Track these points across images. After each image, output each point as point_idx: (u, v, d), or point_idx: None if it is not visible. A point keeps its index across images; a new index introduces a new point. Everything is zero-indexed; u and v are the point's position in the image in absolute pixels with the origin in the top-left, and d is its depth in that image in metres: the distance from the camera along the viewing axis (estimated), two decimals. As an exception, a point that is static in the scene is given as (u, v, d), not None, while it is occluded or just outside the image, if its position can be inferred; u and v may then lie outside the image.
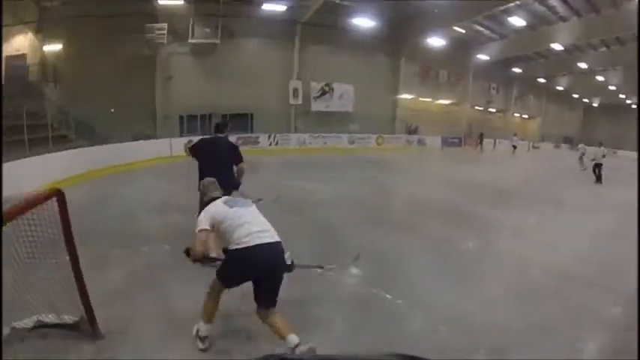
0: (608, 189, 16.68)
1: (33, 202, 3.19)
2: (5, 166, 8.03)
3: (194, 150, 6.62)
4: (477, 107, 37.56)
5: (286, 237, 4.03)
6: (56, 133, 16.11)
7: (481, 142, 34.30)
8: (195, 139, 18.64)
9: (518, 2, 21.38)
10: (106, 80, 19.38)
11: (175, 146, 18.04)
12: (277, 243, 3.82)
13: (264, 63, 24.14)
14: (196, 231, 3.82)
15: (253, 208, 4.10)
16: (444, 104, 35.20)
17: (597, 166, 18.33)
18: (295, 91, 25.42)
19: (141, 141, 18.04)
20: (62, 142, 15.83)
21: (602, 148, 19.17)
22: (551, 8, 23.80)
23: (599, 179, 18.14)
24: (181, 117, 22.25)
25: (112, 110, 19.07)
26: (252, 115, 24.09)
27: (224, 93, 22.18)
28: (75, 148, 15.07)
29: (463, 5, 22.76)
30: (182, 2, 20.93)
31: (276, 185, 12.24)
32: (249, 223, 3.78)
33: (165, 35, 21.19)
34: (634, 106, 44.36)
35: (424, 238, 8.11)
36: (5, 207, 2.88)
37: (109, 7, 19.45)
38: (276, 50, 24.75)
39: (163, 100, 21.91)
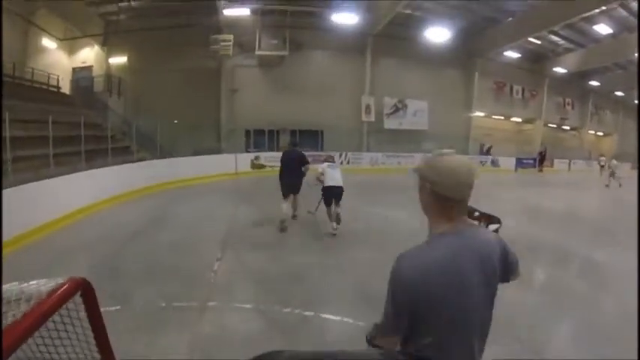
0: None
1: (47, 310, 1.35)
2: (61, 179, 8.84)
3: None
4: (550, 125, 33.80)
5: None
6: (119, 144, 15.58)
7: (542, 161, 30.67)
8: (263, 155, 17.03)
9: (603, 8, 18.72)
10: (170, 93, 18.81)
11: (241, 162, 16.66)
12: (340, 187, 8.34)
13: (334, 77, 21.91)
14: (318, 170, 8.48)
15: (337, 169, 8.56)
16: (516, 122, 31.99)
17: None
18: (368, 107, 22.83)
19: (204, 155, 16.35)
20: (124, 153, 14.93)
21: None
22: (634, 13, 20.30)
23: None
24: (247, 131, 20.46)
25: (175, 122, 17.52)
26: (322, 132, 21.79)
27: (292, 107, 20.30)
28: (138, 161, 14.11)
29: (540, 14, 20.38)
30: (248, 13, 19.38)
31: (351, 211, 10.04)
32: (332, 176, 8.30)
33: (231, 47, 19.63)
34: None
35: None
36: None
37: (173, 20, 18.98)
38: (346, 63, 22.43)
39: (228, 114, 20.24)
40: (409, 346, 1.65)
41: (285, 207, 8.66)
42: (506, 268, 1.73)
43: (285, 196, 8.72)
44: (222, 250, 7.22)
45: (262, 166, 17.46)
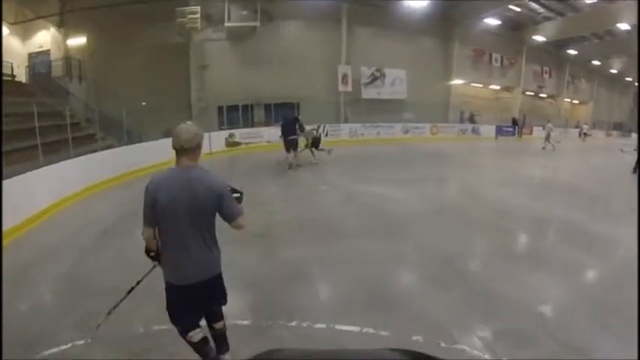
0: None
1: None
2: (15, 180, 7.16)
3: None
4: (527, 92, 33.16)
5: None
6: (82, 133, 14.05)
7: (521, 128, 30.66)
8: (238, 132, 15.79)
9: None
10: (136, 73, 17.09)
11: (215, 141, 14.83)
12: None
13: (309, 47, 20.44)
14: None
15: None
16: (495, 90, 31.14)
17: None
18: (344, 77, 21.46)
19: None
20: (89, 142, 13.44)
21: None
22: None
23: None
24: (220, 108, 18.73)
25: (143, 104, 15.72)
26: (298, 104, 20.20)
27: (266, 81, 18.80)
28: (104, 149, 12.40)
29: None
30: (215, -19, 17.72)
31: (344, 192, 10.23)
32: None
33: (199, 19, 17.76)
34: None
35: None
36: None
37: (134, -7, 16.94)
38: (321, 33, 20.87)
39: (199, 91, 18.36)
40: (159, 234, 2.85)
41: (290, 156, 12.80)
42: (220, 211, 2.78)
43: (287, 150, 12.78)
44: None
45: (237, 144, 16.45)
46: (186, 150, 2.69)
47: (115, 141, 13.90)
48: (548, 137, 21.97)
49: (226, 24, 18.61)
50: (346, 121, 21.68)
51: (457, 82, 27.31)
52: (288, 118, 13.36)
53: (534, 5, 24.92)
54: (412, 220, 7.91)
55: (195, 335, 2.99)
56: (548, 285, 5.20)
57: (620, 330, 4.04)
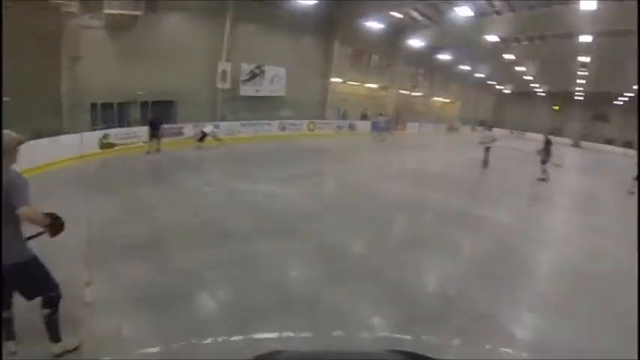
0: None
1: None
2: None
3: None
4: (402, 91, 36.43)
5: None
6: None
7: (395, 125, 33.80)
8: (113, 132, 15.47)
9: None
10: None
11: (88, 142, 14.80)
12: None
13: (191, 42, 20.51)
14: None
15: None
16: (372, 88, 33.69)
17: (487, 150, 18.17)
18: (224, 73, 22.01)
19: (43, 139, 13.08)
20: None
21: (491, 132, 19.64)
22: (489, 2, 23.47)
23: (486, 163, 18.15)
24: (94, 105, 17.45)
25: (6, 99, 14.15)
26: (175, 102, 20.40)
27: (144, 76, 18.45)
28: None
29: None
30: (94, -38, 16.70)
31: (230, 192, 10.67)
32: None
33: (76, 4, 16.38)
34: (542, 94, 47.86)
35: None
36: None
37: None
38: (204, 27, 21.06)
39: (71, 86, 16.86)
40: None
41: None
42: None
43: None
44: (89, 268, 5.39)
45: (112, 145, 15.88)
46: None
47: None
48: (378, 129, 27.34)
49: (105, 10, 17.54)
50: (223, 119, 22.28)
51: (336, 80, 29.22)
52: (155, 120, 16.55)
53: (414, 13, 27.21)
54: (303, 217, 8.68)
55: None
56: (441, 264, 6.63)
57: (510, 296, 5.60)
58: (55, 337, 3.58)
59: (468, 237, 8.41)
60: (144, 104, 18.72)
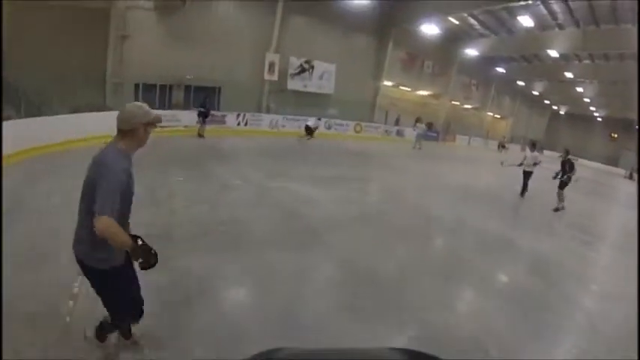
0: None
1: None
2: None
3: None
4: (454, 102, 35.33)
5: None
6: None
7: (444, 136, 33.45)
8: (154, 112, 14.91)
9: (523, 2, 19.35)
10: (44, 35, 14.45)
11: None
12: None
13: (239, 29, 20.05)
14: None
15: None
16: (423, 95, 32.65)
17: (526, 175, 14.36)
18: (272, 65, 21.51)
19: (84, 113, 12.98)
20: None
21: (535, 153, 14.72)
22: (552, 13, 21.98)
23: (523, 191, 14.44)
24: (137, 85, 17.34)
25: (49, 71, 13.64)
26: (219, 88, 19.93)
27: (189, 60, 18.20)
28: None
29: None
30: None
31: (259, 188, 9.81)
32: None
33: None
34: (599, 119, 45.73)
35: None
36: None
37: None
38: (253, 16, 20.59)
39: (116, 64, 16.80)
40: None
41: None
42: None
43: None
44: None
45: None
46: (120, 130, 2.74)
47: (12, 112, 11.79)
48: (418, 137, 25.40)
49: (154, -9, 17.70)
50: (268, 111, 21.87)
51: (386, 83, 28.34)
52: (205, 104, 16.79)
53: (472, 21, 26.21)
54: (331, 226, 7.72)
55: None
56: (481, 305, 5.43)
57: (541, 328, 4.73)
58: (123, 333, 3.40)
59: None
60: (187, 88, 18.34)
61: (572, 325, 5.27)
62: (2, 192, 5.93)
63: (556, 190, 12.67)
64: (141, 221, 4.50)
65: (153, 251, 2.70)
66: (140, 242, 2.73)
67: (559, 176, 13.05)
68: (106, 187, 2.49)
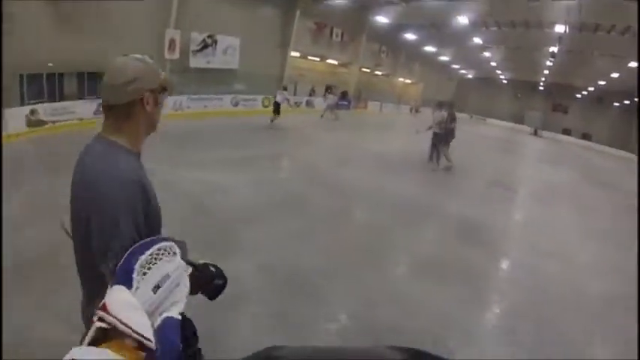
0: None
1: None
2: None
3: None
4: (364, 69, 36.19)
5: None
6: None
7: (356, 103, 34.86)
8: (42, 107, 13.83)
9: None
10: None
11: (14, 120, 12.97)
12: None
13: (135, 6, 18.88)
14: None
15: None
16: (333, 64, 33.24)
17: (436, 137, 14.19)
18: (172, 42, 20.79)
19: None
20: None
21: (442, 112, 14.33)
22: None
23: (432, 155, 14.46)
24: (22, 76, 15.30)
25: None
26: None
27: (80, 44, 16.70)
28: None
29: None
30: None
31: (165, 178, 8.36)
32: None
33: None
34: (505, 81, 49.68)
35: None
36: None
37: None
38: None
39: None
40: None
41: None
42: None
43: None
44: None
45: (42, 123, 14.36)
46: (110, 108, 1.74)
47: None
48: (327, 108, 26.73)
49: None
50: (171, 93, 21.00)
51: (294, 54, 28.50)
52: None
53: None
54: (245, 218, 7.35)
55: None
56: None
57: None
58: None
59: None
60: (80, 75, 17.26)
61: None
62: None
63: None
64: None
65: (212, 268, 1.79)
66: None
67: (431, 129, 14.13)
68: (110, 229, 1.54)
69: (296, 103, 28.58)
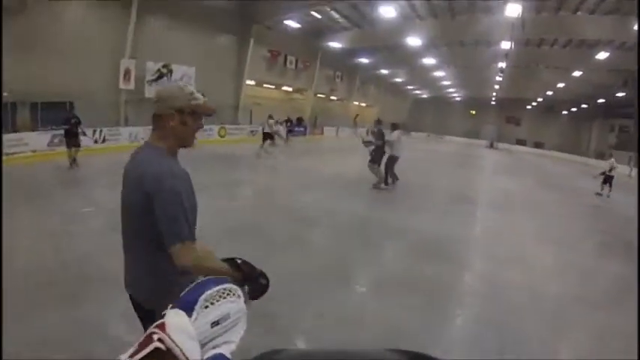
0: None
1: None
2: None
3: None
4: (319, 94, 37.07)
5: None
6: None
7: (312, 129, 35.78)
8: None
9: None
10: None
11: None
12: None
13: (90, 35, 18.92)
14: None
15: None
16: (287, 91, 34.07)
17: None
18: (127, 72, 20.77)
19: None
20: None
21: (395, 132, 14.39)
22: (412, 6, 24.88)
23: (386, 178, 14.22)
24: None
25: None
26: (71, 103, 17.50)
27: (34, 72, 16.63)
28: None
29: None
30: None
31: (113, 213, 6.62)
32: None
33: None
34: (458, 99, 52.46)
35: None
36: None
37: None
38: (106, 20, 19.55)
39: None
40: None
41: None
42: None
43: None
44: None
45: None
46: (153, 118, 2.28)
47: None
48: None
49: (-16, -8, 15.72)
50: (126, 123, 21.01)
51: (249, 82, 29.03)
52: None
53: (335, 15, 27.80)
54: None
55: None
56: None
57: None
58: None
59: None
60: (33, 106, 17.00)
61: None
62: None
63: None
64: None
65: (259, 271, 2.17)
66: (239, 261, 2.16)
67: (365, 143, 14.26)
68: (172, 203, 2.02)
69: (252, 132, 28.81)
